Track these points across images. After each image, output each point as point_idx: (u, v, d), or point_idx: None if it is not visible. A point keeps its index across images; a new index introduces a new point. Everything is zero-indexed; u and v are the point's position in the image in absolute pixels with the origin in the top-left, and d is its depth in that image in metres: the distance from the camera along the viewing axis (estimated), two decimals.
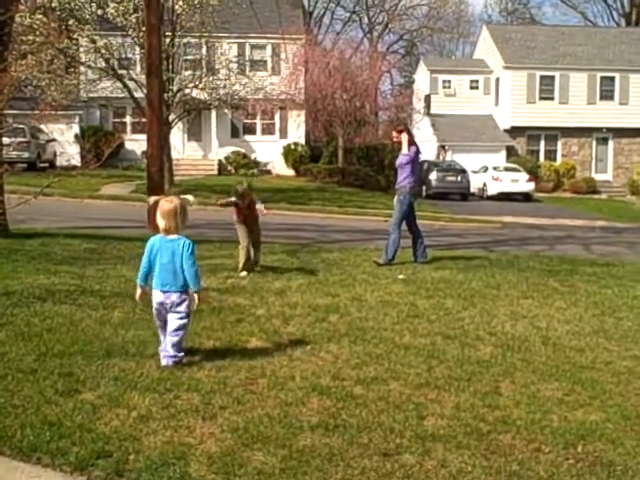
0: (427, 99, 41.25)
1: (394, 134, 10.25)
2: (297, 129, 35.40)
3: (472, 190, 33.47)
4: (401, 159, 10.22)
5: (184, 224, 4.88)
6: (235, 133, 35.95)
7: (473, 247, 14.14)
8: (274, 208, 21.96)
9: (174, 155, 30.00)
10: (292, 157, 35.26)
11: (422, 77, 43.42)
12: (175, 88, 24.89)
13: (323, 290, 7.83)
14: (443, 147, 39.41)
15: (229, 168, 34.88)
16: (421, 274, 9.34)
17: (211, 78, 26.87)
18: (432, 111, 40.94)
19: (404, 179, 10.25)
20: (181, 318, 4.93)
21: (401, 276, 9.08)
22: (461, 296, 7.93)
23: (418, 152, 10.29)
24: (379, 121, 39.47)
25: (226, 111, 33.04)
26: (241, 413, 4.14)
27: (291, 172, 35.17)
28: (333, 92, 33.03)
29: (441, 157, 39.01)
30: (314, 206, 22.96)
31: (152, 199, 4.96)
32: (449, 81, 42.01)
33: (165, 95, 22.08)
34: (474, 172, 34.67)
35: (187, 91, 25.77)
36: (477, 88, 42.23)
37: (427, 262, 10.34)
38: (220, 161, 34.88)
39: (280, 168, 35.34)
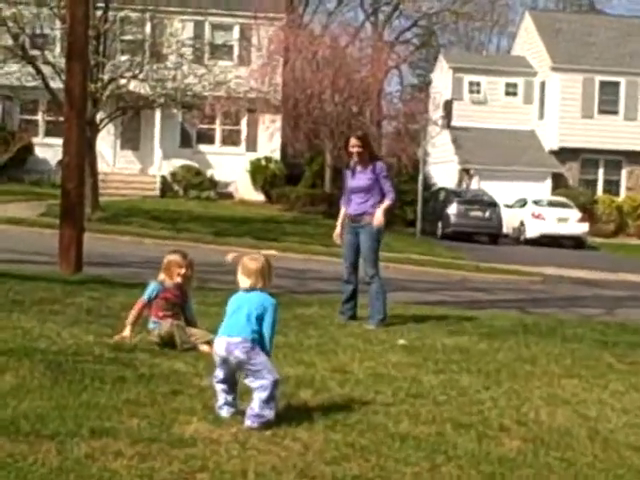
0: (448, 106, 41.77)
1: (353, 142, 10.55)
2: (270, 139, 35.67)
3: (505, 230, 33.70)
4: (363, 179, 10.53)
5: (270, 282, 5.80)
6: (186, 142, 36.19)
7: (503, 306, 14.26)
8: (235, 244, 22.15)
9: (102, 168, 30.08)
10: (262, 177, 35.47)
11: (442, 77, 44.02)
12: (106, 77, 25.03)
13: (294, 357, 7.83)
14: (467, 171, 39.78)
15: (176, 188, 35.01)
16: (429, 340, 9.39)
17: (155, 66, 27.08)
18: (454, 123, 41.41)
19: (371, 204, 10.49)
20: (257, 372, 5.66)
21: (402, 341, 9.12)
22: (482, 371, 7.97)
23: (384, 168, 10.69)
24: (382, 133, 39.81)
25: (175, 111, 33.25)
26: None
27: (260, 197, 35.31)
28: (321, 92, 33.40)
29: (464, 185, 39.35)
30: (290, 243, 23.03)
31: (231, 256, 5.98)
32: (478, 84, 42.60)
33: (92, 86, 22.19)
34: (508, 206, 34.96)
35: (123, 82, 25.93)
36: (515, 94, 42.84)
37: (388, 325, 10.36)
38: (164, 178, 35.03)
39: (246, 191, 35.53)
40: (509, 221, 34.34)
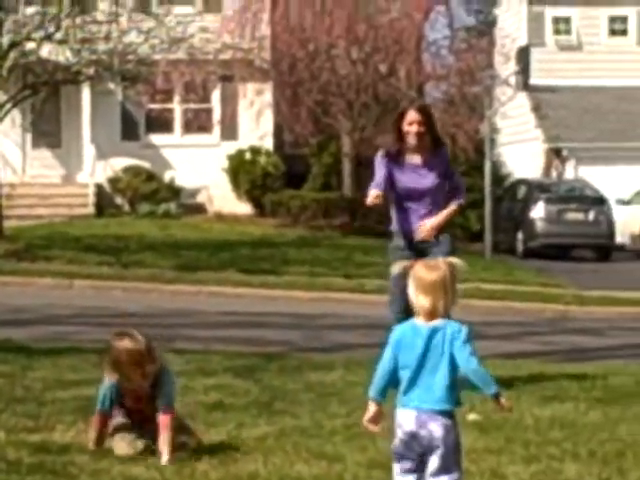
0: (523, 57, 41.72)
1: (413, 116, 10.31)
2: (257, 121, 35.62)
3: (619, 239, 33.60)
4: (428, 177, 10.46)
5: (455, 301, 5.92)
6: (130, 131, 36.20)
7: (622, 356, 14.30)
8: (211, 282, 22.09)
9: (5, 177, 30.11)
10: (248, 178, 35.42)
11: (512, 13, 44.03)
12: (5, 40, 25.09)
13: (310, 446, 7.81)
14: (557, 153, 39.68)
15: (119, 202, 34.97)
16: (514, 412, 9.33)
17: (80, 20, 27.11)
18: (533, 81, 41.35)
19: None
20: (449, 460, 5.84)
21: (472, 416, 9.12)
22: (596, 456, 7.94)
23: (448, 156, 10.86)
24: (426, 102, 39.81)
25: (111, 87, 33.21)
26: None
27: (246, 208, 35.35)
28: (331, 45, 33.38)
29: (554, 172, 39.23)
30: (294, 277, 23.05)
31: (397, 267, 6.12)
32: (567, 20, 42.62)
33: None
34: (623, 203, 34.86)
35: (31, 46, 25.98)
36: (625, 33, 42.78)
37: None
38: (100, 188, 34.98)
39: (224, 200, 35.47)
40: (626, 225, 34.08)
